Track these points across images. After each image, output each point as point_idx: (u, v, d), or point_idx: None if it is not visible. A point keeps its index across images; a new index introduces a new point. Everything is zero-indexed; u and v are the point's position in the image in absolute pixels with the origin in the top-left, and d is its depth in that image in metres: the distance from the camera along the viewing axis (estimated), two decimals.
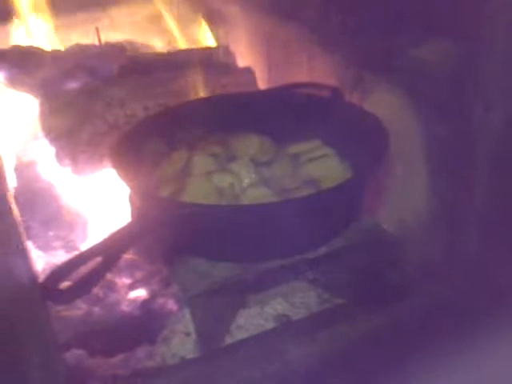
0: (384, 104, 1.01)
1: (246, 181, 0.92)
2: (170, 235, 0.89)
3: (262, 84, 1.46)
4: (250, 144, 1.01)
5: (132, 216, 0.84)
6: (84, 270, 0.70)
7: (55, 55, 1.27)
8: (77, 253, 0.75)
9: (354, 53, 1.07)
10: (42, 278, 0.68)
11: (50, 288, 0.65)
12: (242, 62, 1.48)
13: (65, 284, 0.67)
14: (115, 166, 0.86)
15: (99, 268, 0.69)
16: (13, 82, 1.21)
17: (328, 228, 0.90)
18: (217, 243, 0.85)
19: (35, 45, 1.31)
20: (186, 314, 0.85)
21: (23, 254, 0.62)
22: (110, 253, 0.71)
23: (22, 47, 1.27)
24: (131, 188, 0.83)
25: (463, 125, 0.85)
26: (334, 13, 1.10)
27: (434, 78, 0.89)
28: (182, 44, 1.60)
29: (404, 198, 1.02)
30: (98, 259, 0.71)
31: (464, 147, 0.87)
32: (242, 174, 0.92)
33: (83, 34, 1.52)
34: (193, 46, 1.56)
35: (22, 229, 0.62)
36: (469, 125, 0.84)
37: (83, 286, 0.67)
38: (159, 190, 0.91)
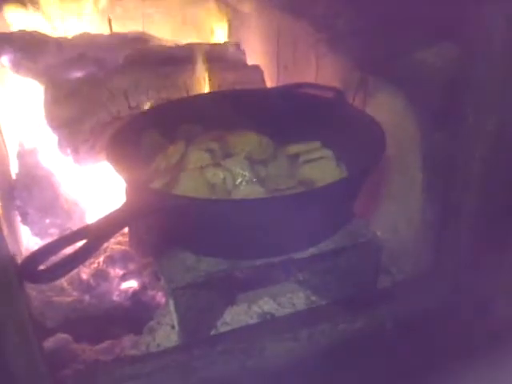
0: (385, 107, 1.01)
1: (239, 178, 0.91)
2: (159, 227, 0.90)
3: (270, 82, 1.46)
4: (248, 142, 1.00)
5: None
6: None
7: (61, 42, 1.27)
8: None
9: (358, 54, 1.06)
10: None
11: (29, 268, 0.66)
12: (253, 59, 1.48)
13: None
14: (109, 154, 0.87)
15: (81, 251, 0.69)
16: (17, 66, 1.20)
17: (317, 229, 0.89)
18: (203, 237, 0.85)
19: (41, 30, 1.30)
20: (170, 305, 0.85)
21: None
22: (93, 237, 0.71)
23: (28, 32, 1.26)
24: (121, 176, 0.83)
25: (459, 131, 0.85)
26: (340, 13, 1.09)
27: (433, 82, 0.88)
28: (194, 38, 1.59)
29: (399, 206, 1.01)
30: (82, 242, 0.71)
31: (459, 154, 0.87)
32: (235, 171, 0.92)
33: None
34: (203, 41, 1.56)
35: None
36: (464, 130, 0.84)
37: (62, 268, 0.67)
38: (153, 181, 0.91)
